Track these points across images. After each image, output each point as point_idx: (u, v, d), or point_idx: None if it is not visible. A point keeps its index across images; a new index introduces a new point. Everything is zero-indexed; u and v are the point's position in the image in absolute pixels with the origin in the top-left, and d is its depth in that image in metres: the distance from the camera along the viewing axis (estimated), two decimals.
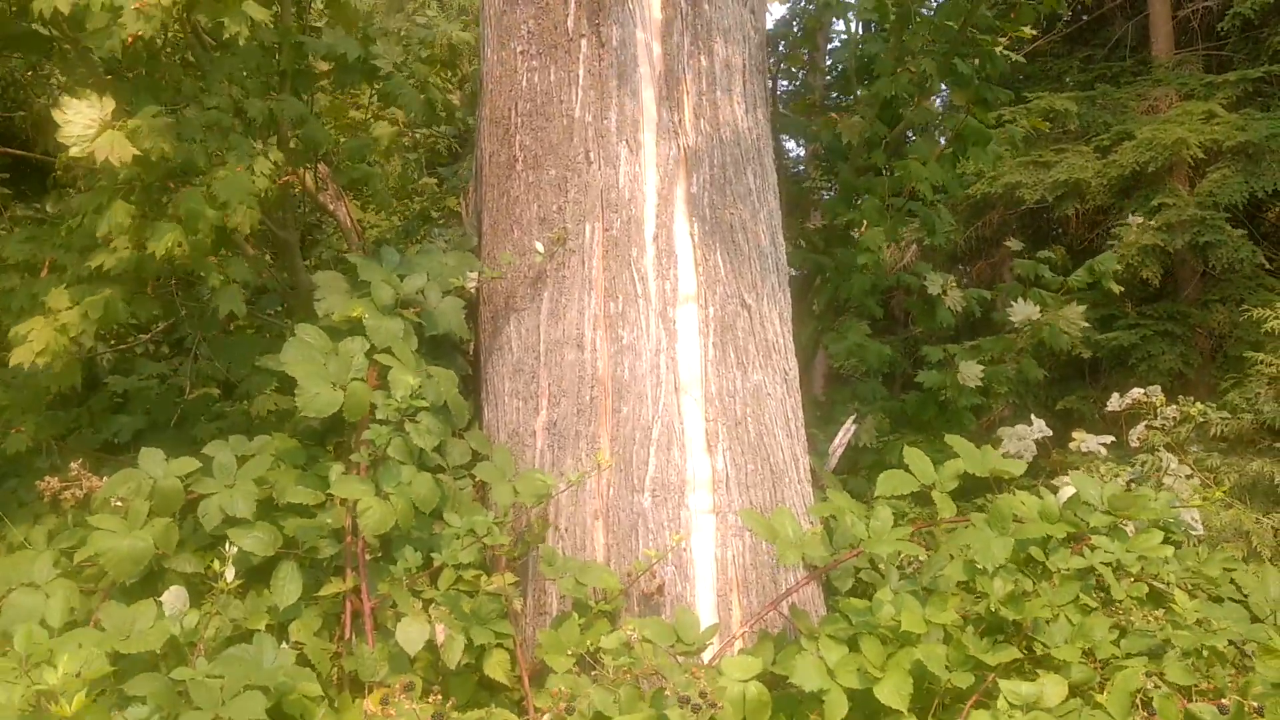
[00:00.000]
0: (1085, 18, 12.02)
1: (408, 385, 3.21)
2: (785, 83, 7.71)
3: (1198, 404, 4.85)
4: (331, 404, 3.20)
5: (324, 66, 4.59)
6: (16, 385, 3.94)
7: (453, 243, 4.24)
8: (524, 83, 3.98)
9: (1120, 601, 3.15)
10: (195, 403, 4.73)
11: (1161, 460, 4.59)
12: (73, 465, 3.23)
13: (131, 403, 4.74)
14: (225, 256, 3.92)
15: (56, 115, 3.31)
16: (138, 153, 3.31)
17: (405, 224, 6.61)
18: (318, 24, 5.14)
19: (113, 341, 5.20)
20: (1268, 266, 9.20)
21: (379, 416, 3.24)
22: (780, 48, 7.11)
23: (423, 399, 3.25)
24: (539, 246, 3.74)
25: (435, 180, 7.23)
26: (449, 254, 3.90)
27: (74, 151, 3.30)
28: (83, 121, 3.31)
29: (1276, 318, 5.89)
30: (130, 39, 3.28)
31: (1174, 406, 4.80)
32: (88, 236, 3.63)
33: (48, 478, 3.21)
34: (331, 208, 4.98)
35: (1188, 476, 4.47)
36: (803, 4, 7.65)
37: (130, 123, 3.36)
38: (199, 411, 4.70)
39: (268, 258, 4.87)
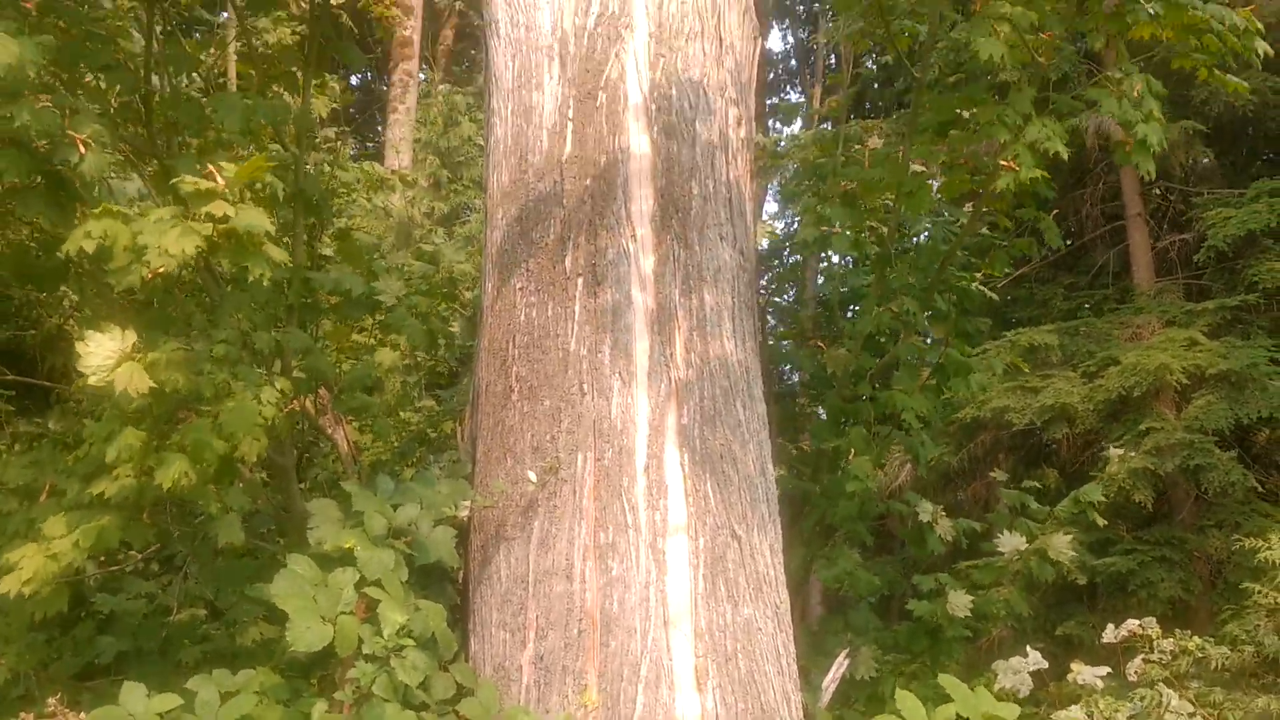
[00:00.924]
0: (1070, 242, 12.56)
1: (395, 623, 3.20)
2: (773, 319, 8.00)
3: (1195, 637, 4.80)
4: (321, 639, 3.18)
5: (330, 299, 4.78)
6: (1, 612, 3.91)
7: (447, 469, 4.31)
8: (522, 317, 4.14)
9: None
10: (181, 625, 4.68)
11: (1161, 696, 4.50)
12: (50, 700, 3.17)
13: (117, 623, 4.68)
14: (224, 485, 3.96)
15: (79, 346, 3.41)
16: (154, 384, 3.40)
17: (402, 445, 6.71)
18: (326, 253, 5.37)
19: (101, 560, 5.17)
20: (1260, 490, 9.23)
21: (366, 652, 3.22)
22: (776, 267, 7.42)
23: (410, 635, 3.23)
24: (532, 476, 3.80)
25: (435, 400, 7.38)
26: (443, 482, 3.95)
27: (92, 380, 3.38)
28: (103, 353, 3.41)
29: (1269, 548, 5.89)
30: (150, 275, 3.45)
31: (1170, 640, 4.75)
32: (91, 463, 3.68)
33: (23, 714, 3.14)
34: (330, 432, 5.07)
35: (1189, 715, 4.37)
36: (791, 236, 8.03)
37: (150, 356, 3.47)
38: (185, 634, 4.64)
39: (263, 476, 4.92)
